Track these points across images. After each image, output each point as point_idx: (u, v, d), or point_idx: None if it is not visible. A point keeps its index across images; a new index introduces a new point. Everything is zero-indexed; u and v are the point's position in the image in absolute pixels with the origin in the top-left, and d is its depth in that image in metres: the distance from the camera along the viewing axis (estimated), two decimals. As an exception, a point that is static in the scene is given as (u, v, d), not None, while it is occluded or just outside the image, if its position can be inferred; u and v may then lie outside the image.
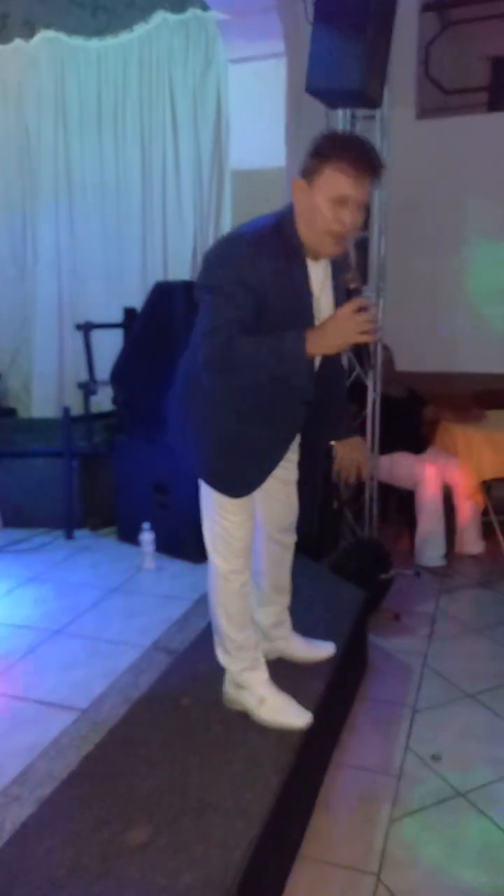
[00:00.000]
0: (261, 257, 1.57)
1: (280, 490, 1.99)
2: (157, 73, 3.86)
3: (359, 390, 3.44)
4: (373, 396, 3.39)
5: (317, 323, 1.63)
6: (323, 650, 2.16)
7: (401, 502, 3.89)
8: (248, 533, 1.86)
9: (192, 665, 2.20)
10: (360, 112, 3.25)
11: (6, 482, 3.67)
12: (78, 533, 3.51)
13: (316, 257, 1.65)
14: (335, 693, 2.14)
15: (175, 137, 3.87)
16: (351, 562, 2.96)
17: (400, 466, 3.64)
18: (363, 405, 3.43)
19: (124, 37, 3.91)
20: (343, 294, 1.70)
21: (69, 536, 3.48)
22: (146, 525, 3.07)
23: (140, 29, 3.87)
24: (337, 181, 1.54)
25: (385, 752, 2.14)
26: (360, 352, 1.55)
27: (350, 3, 2.72)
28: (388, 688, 2.49)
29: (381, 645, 2.78)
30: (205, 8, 3.61)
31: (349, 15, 2.72)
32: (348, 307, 1.51)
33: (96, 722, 1.90)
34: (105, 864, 1.40)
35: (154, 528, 3.09)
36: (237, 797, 1.58)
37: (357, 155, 1.54)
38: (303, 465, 3.28)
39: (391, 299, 3.49)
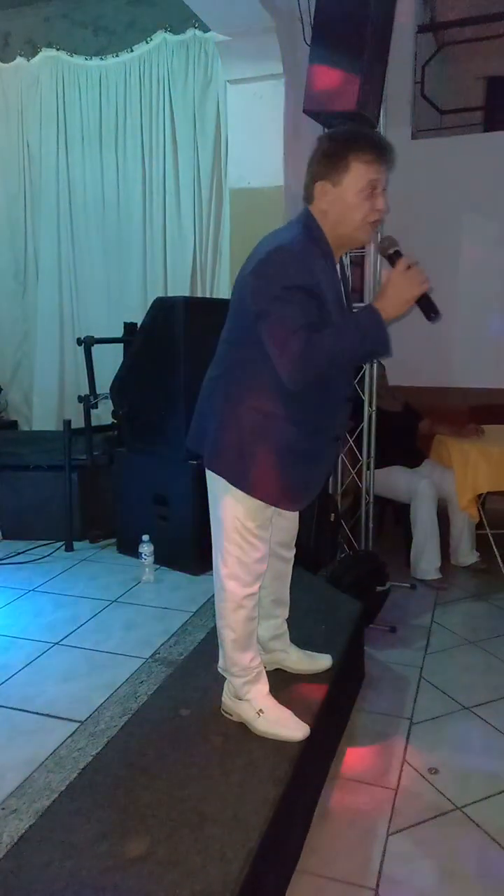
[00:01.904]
0: (308, 260, 1.62)
1: None
2: (158, 93, 3.91)
3: (354, 405, 3.47)
4: (368, 411, 3.42)
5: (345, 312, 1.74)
6: (320, 662, 2.18)
7: (396, 515, 3.92)
8: (265, 556, 1.87)
9: (190, 676, 2.22)
10: (357, 132, 3.31)
11: (7, 494, 3.69)
12: (78, 545, 3.53)
13: (337, 257, 1.73)
14: (332, 705, 2.15)
15: (175, 156, 3.93)
16: (348, 574, 2.98)
17: (395, 480, 3.67)
18: (359, 419, 3.47)
19: (125, 56, 3.97)
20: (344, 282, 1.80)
21: (69, 548, 3.49)
22: (145, 537, 3.09)
23: (140, 49, 3.93)
24: (364, 171, 1.61)
25: (382, 765, 2.14)
26: (423, 302, 1.64)
27: (347, 26, 2.78)
28: (385, 700, 2.50)
29: (378, 657, 2.79)
30: (204, 29, 3.67)
31: (346, 37, 2.78)
32: (399, 267, 1.61)
33: (95, 733, 1.91)
34: (104, 876, 1.41)
35: (153, 540, 3.11)
36: (235, 809, 1.59)
37: (373, 141, 1.64)
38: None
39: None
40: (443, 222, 4.40)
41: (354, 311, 1.78)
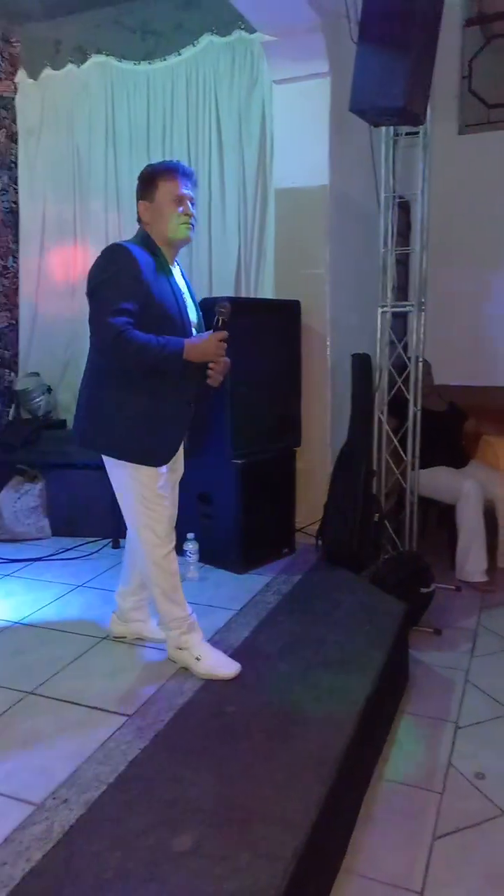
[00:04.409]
0: (138, 257, 2.04)
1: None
2: (204, 95, 3.93)
3: (399, 404, 3.45)
4: (413, 411, 3.38)
5: (188, 309, 2.20)
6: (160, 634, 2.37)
7: (441, 516, 3.87)
8: (171, 520, 2.23)
9: (235, 675, 2.24)
10: (403, 129, 3.28)
11: (56, 492, 3.78)
12: (124, 542, 3.58)
13: (171, 261, 2.19)
14: (377, 705, 2.14)
15: (220, 157, 3.94)
16: (391, 574, 2.96)
17: (440, 480, 3.62)
18: (404, 419, 3.44)
19: (172, 60, 4.00)
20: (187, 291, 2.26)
21: (116, 545, 3.56)
22: (190, 535, 3.12)
23: (187, 52, 3.95)
24: (169, 188, 2.11)
25: (428, 768, 2.13)
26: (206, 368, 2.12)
27: (394, 22, 2.75)
28: (430, 703, 2.48)
29: (422, 659, 2.77)
30: (250, 30, 3.68)
31: (394, 33, 2.74)
32: (217, 336, 2.08)
33: (142, 727, 1.95)
34: (152, 868, 1.43)
35: (197, 538, 3.14)
36: (281, 807, 1.60)
37: (172, 167, 2.15)
38: (344, 480, 3.31)
39: (432, 314, 3.48)
40: (490, 217, 4.32)
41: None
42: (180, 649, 2.23)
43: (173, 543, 2.24)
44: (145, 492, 2.14)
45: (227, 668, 2.17)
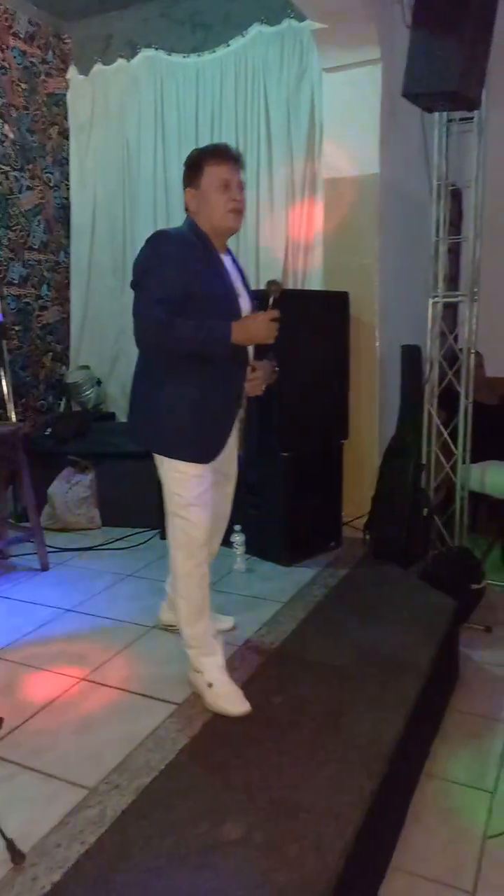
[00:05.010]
0: (185, 245, 1.98)
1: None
2: (253, 86, 3.90)
3: (450, 397, 3.38)
4: (464, 404, 3.31)
5: (240, 300, 2.06)
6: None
7: (491, 511, 3.79)
8: (207, 531, 2.08)
9: (282, 665, 2.24)
10: (457, 114, 3.20)
11: (106, 483, 3.85)
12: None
13: (221, 249, 2.07)
14: (426, 702, 2.12)
15: (269, 148, 3.91)
16: (441, 570, 2.92)
17: (491, 475, 3.54)
18: (454, 412, 3.37)
19: (221, 51, 3.98)
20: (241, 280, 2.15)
21: (164, 537, 3.59)
22: (237, 527, 3.13)
23: (236, 43, 3.93)
24: (216, 172, 1.99)
25: (478, 767, 2.09)
26: (264, 348, 2.06)
27: (449, 4, 2.68)
28: (481, 701, 2.43)
29: (473, 657, 2.72)
30: (300, 18, 3.64)
31: (448, 16, 2.67)
32: (268, 315, 1.95)
33: (191, 716, 1.97)
34: (202, 856, 1.45)
35: (244, 530, 3.15)
36: (330, 800, 1.60)
37: (219, 150, 2.03)
38: (393, 473, 3.26)
39: (485, 304, 3.40)
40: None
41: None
42: (196, 672, 2.06)
43: (207, 553, 2.11)
44: (182, 493, 2.03)
45: (235, 706, 1.96)
